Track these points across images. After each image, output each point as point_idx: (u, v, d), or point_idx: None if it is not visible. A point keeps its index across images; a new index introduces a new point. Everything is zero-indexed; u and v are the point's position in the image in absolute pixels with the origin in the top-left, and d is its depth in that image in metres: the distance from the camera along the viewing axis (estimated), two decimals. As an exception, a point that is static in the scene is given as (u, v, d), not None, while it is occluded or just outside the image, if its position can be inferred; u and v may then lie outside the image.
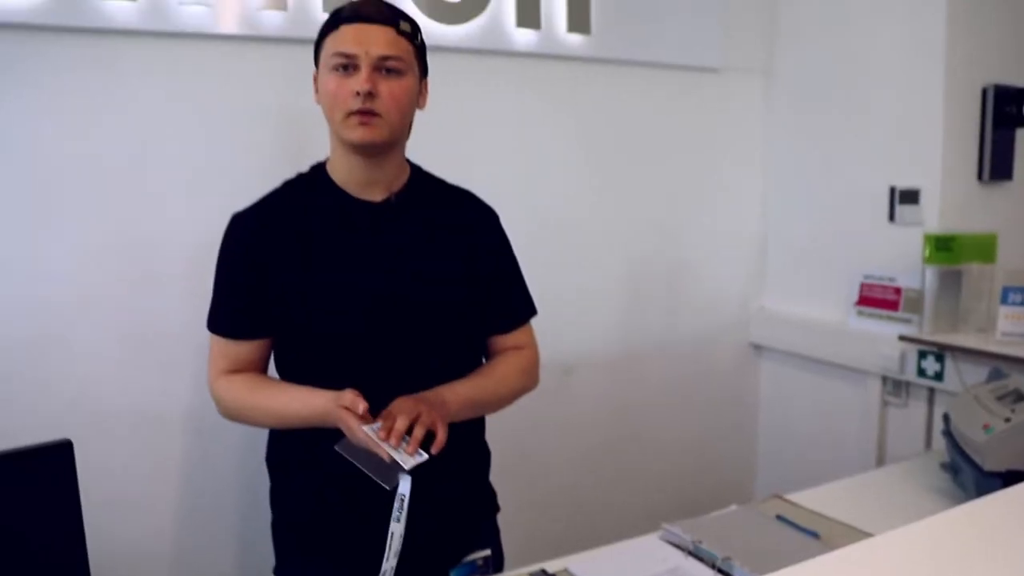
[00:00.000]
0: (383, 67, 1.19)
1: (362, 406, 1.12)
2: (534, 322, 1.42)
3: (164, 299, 1.71)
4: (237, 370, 1.29)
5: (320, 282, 1.24)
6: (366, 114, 1.19)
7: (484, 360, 1.40)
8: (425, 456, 1.09)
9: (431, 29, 1.89)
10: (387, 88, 1.20)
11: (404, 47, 1.22)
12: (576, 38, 2.13)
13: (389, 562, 1.11)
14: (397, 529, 1.11)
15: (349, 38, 1.19)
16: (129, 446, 1.71)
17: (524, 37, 2.05)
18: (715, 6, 2.35)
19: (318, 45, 1.26)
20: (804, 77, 2.40)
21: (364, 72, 1.18)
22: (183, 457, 1.78)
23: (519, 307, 1.41)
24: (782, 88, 2.48)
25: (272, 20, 1.75)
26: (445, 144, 1.74)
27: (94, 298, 1.66)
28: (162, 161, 1.70)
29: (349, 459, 1.13)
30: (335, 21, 1.22)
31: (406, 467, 1.07)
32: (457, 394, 1.24)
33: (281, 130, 1.79)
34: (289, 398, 1.24)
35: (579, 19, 2.12)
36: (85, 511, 1.07)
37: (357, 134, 1.20)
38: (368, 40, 1.19)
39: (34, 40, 1.56)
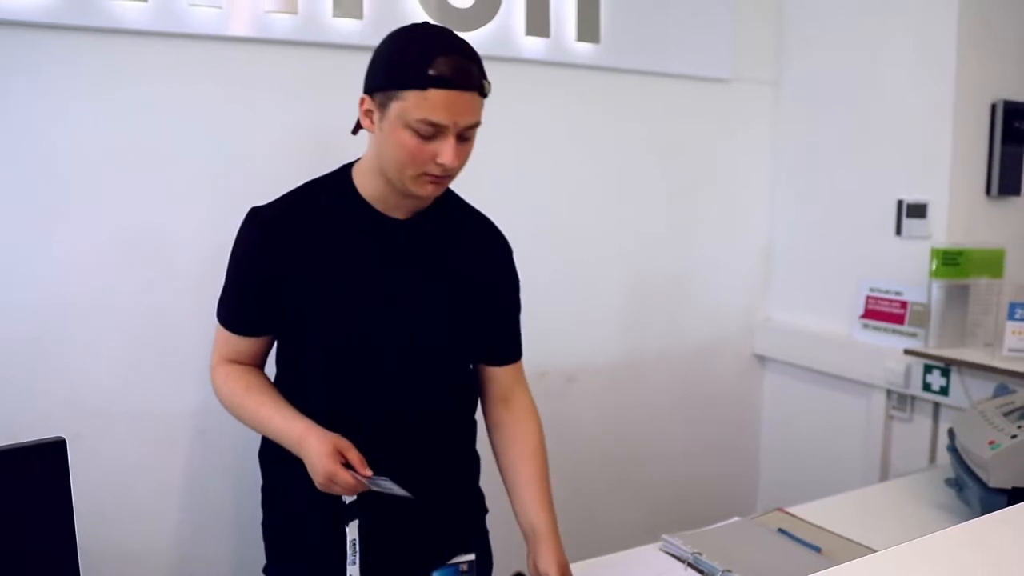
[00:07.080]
0: (464, 134, 1.17)
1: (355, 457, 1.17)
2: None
3: (170, 300, 1.71)
4: (238, 361, 1.31)
5: (328, 285, 1.24)
6: (442, 177, 1.20)
7: (473, 380, 1.41)
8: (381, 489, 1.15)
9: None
10: (462, 152, 1.19)
11: (481, 107, 1.20)
12: (585, 47, 2.12)
13: None
14: (354, 571, 1.17)
15: (440, 107, 1.12)
16: (129, 445, 1.70)
17: (533, 45, 2.05)
18: (725, 17, 2.35)
19: (389, 86, 1.15)
20: (813, 89, 2.40)
21: (451, 143, 1.15)
22: (184, 457, 1.77)
23: (517, 346, 1.42)
24: (791, 99, 2.47)
25: (282, 23, 1.75)
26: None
27: (99, 298, 1.65)
28: (170, 162, 1.69)
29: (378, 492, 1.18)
30: (421, 80, 1.12)
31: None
32: (552, 521, 1.28)
33: (289, 132, 1.79)
34: (269, 415, 1.25)
35: (588, 28, 2.11)
36: (83, 509, 1.07)
37: (427, 191, 1.21)
38: (458, 111, 1.14)
39: (44, 39, 1.56)
